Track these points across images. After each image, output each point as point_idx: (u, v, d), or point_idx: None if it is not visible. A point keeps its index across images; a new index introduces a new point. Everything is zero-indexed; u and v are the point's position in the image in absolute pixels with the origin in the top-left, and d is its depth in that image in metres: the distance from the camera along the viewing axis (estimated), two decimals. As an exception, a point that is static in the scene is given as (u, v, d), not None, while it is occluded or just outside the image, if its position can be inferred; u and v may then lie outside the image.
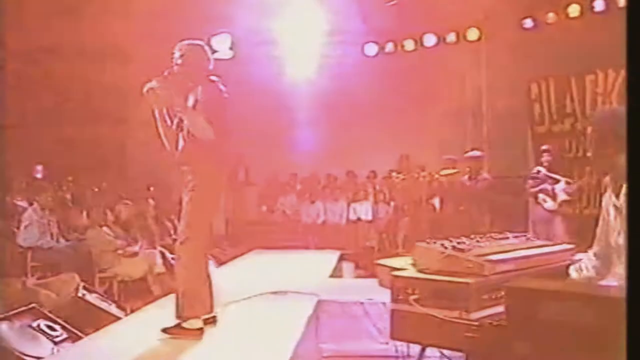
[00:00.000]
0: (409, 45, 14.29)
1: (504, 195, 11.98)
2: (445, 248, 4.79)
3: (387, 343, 6.94)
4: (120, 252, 9.97)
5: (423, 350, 5.04)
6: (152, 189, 13.33)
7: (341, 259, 11.27)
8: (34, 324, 6.31)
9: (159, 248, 10.78)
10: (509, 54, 13.05)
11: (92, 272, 9.68)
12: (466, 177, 10.92)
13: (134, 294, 9.78)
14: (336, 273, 10.19)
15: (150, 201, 12.09)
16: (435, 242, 4.94)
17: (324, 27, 13.78)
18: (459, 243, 4.89)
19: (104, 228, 10.22)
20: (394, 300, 4.80)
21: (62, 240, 10.32)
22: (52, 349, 6.07)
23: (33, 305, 6.56)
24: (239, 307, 6.80)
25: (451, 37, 13.93)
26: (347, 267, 11.65)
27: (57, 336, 6.27)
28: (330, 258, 10.97)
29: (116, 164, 15.07)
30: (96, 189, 12.57)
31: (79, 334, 6.40)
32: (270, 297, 7.43)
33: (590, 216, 11.03)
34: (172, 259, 10.28)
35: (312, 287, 7.85)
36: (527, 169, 13.19)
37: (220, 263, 10.76)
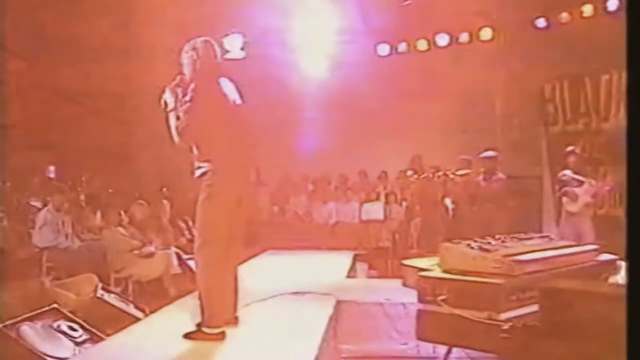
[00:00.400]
0: (422, 45, 14.26)
1: (518, 196, 11.96)
2: (472, 248, 4.77)
3: (406, 344, 6.94)
4: (136, 252, 9.96)
5: (449, 351, 5.02)
6: (165, 189, 13.32)
7: (355, 259, 11.26)
8: (55, 325, 6.30)
9: (174, 249, 10.77)
10: (522, 54, 13.03)
11: (108, 272, 9.68)
12: (481, 177, 10.89)
13: (149, 295, 9.78)
14: (350, 274, 10.17)
15: (165, 202, 12.08)
16: (460, 243, 4.92)
17: (336, 26, 13.74)
18: (485, 243, 4.88)
19: (119, 228, 10.22)
20: (421, 300, 4.78)
21: (76, 240, 10.32)
22: (74, 349, 6.06)
23: (54, 305, 6.56)
24: (258, 307, 6.78)
25: (464, 37, 13.89)
26: (361, 267, 11.63)
27: (78, 337, 6.27)
28: (344, 258, 10.95)
29: (128, 164, 15.06)
30: (110, 190, 12.57)
31: (100, 334, 6.40)
32: (289, 298, 7.42)
33: (605, 217, 11.04)
34: (188, 259, 10.35)
35: (329, 287, 7.84)
36: (541, 169, 13.21)
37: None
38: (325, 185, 16.03)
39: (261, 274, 9.38)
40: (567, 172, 10.33)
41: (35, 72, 13.73)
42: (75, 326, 6.41)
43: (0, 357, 5.76)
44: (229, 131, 5.56)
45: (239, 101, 5.79)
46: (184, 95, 5.50)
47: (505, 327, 3.97)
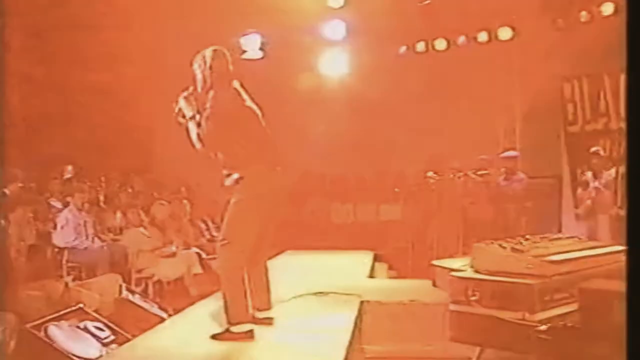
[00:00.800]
0: (440, 44, 14.19)
1: (537, 196, 11.90)
2: (504, 249, 4.75)
3: (430, 345, 6.92)
4: (157, 252, 9.98)
5: (482, 352, 4.99)
6: (183, 189, 13.33)
7: (374, 259, 11.24)
8: (81, 325, 6.32)
9: (194, 249, 10.79)
10: (541, 53, 12.94)
11: (129, 272, 9.70)
12: (502, 177, 10.86)
13: (170, 295, 9.80)
14: (370, 274, 10.15)
15: (185, 202, 12.09)
16: (492, 243, 4.90)
17: (353, 26, 13.71)
18: (516, 244, 4.85)
19: (140, 228, 10.24)
20: (454, 301, 4.76)
21: (97, 240, 10.33)
22: (101, 350, 6.07)
23: (80, 305, 6.57)
24: (283, 308, 6.78)
25: (483, 37, 13.81)
26: (380, 267, 11.59)
27: (104, 337, 6.28)
28: (365, 258, 10.93)
29: (145, 165, 15.08)
30: (130, 190, 12.57)
31: (126, 334, 6.40)
32: (312, 298, 7.42)
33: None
34: (209, 259, 10.37)
35: (352, 287, 7.83)
36: (560, 169, 13.13)
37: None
38: (343, 185, 16.01)
39: (282, 274, 9.36)
40: (589, 174, 10.30)
41: (51, 72, 13.72)
42: (101, 326, 6.42)
43: (29, 357, 5.77)
44: (253, 136, 5.61)
45: (256, 104, 5.85)
46: (203, 104, 5.56)
47: (543, 328, 3.94)
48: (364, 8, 13.06)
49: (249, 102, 5.76)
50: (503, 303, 4.40)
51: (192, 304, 7.42)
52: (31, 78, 12.66)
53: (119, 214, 11.17)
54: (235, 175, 5.51)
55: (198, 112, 5.57)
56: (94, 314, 6.57)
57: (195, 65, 5.73)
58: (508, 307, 4.35)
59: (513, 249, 4.73)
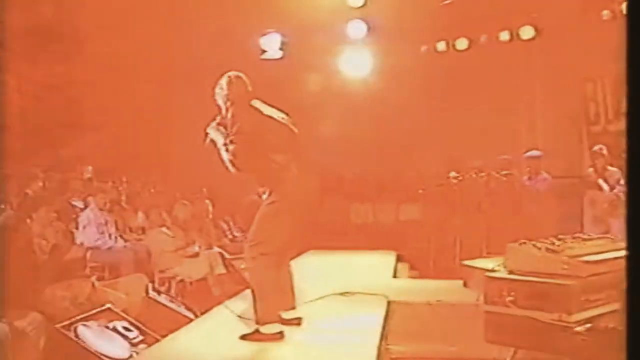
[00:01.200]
0: (461, 44, 14.14)
1: (559, 196, 11.84)
2: (539, 249, 4.72)
3: (454, 346, 6.89)
4: (180, 252, 9.97)
5: (515, 353, 4.97)
6: (204, 189, 13.31)
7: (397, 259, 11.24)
8: (110, 325, 6.32)
9: (216, 249, 10.78)
10: (563, 53, 12.88)
11: (152, 272, 9.69)
12: (525, 177, 10.82)
13: (193, 295, 9.78)
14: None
15: (207, 202, 12.09)
16: (526, 243, 4.87)
17: (375, 25, 13.65)
18: (550, 244, 4.82)
19: (163, 228, 10.24)
20: (489, 302, 4.73)
21: (120, 240, 10.34)
22: (131, 350, 6.07)
23: (108, 305, 6.58)
24: (309, 308, 6.77)
25: (504, 36, 13.74)
26: (402, 267, 11.56)
27: (133, 337, 6.28)
28: (388, 259, 10.92)
29: (166, 165, 15.08)
30: (152, 190, 12.59)
31: (154, 335, 6.40)
32: (338, 299, 7.41)
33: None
34: (233, 259, 10.37)
35: (378, 288, 7.82)
36: (582, 169, 13.05)
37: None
38: (362, 185, 15.96)
39: (307, 274, 9.35)
40: (591, 170, 10.24)
41: (69, 71, 13.73)
42: (129, 326, 6.43)
43: (60, 357, 5.79)
44: (281, 146, 5.76)
45: (278, 109, 6.02)
46: (229, 129, 5.70)
47: (582, 329, 3.90)
48: (384, 7, 13.01)
49: (268, 112, 5.91)
50: (539, 304, 4.37)
51: (216, 304, 7.43)
52: (49, 80, 12.73)
53: (140, 214, 11.16)
54: (267, 194, 5.77)
55: (226, 138, 5.71)
56: (123, 314, 6.58)
57: (216, 95, 5.99)
58: (544, 308, 4.32)
59: (547, 249, 4.69)
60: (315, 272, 9.49)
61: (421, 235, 14.10)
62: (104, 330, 6.19)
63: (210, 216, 11.98)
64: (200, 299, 9.24)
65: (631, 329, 2.69)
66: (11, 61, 10.83)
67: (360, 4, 13.05)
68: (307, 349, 5.42)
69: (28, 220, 7.41)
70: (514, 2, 13.02)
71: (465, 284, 5.38)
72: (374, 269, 9.73)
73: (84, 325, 6.08)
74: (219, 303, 7.35)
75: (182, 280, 9.96)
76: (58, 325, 5.93)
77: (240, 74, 5.99)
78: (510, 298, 4.49)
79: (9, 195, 8.75)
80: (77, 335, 5.88)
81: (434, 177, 14.38)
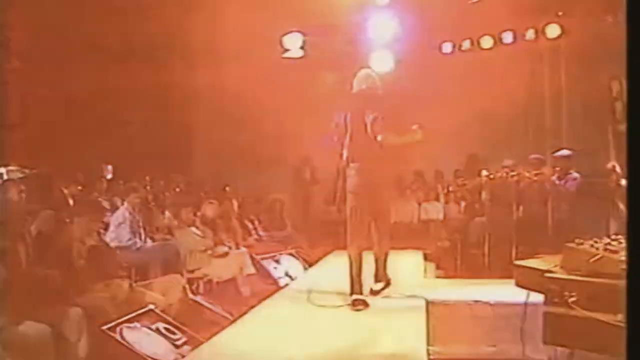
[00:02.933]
0: (486, 42, 14.04)
1: (586, 195, 11.75)
2: (597, 249, 4.66)
3: (494, 346, 6.85)
4: (209, 252, 9.92)
5: (571, 354, 4.91)
6: (228, 188, 13.26)
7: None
8: (153, 327, 6.28)
9: (243, 248, 10.74)
10: (589, 51, 12.80)
11: (180, 272, 9.63)
12: (555, 176, 10.75)
13: (221, 295, 9.73)
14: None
15: (233, 201, 12.05)
16: (583, 243, 4.81)
17: (399, 24, 13.57)
18: (607, 244, 4.77)
19: (192, 228, 10.19)
20: (548, 302, 4.67)
21: (149, 240, 10.28)
22: (175, 352, 6.03)
23: (150, 307, 6.53)
24: (349, 310, 6.74)
25: (530, 35, 13.66)
26: (429, 267, 11.50)
27: (177, 339, 6.23)
28: (415, 258, 10.85)
29: (188, 165, 15.05)
30: (177, 189, 12.55)
31: (197, 336, 6.35)
32: (376, 299, 7.36)
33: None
34: (262, 259, 10.33)
35: (412, 287, 7.78)
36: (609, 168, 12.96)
37: (309, 264, 10.73)
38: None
39: (337, 275, 9.27)
40: (618, 169, 10.17)
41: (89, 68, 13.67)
42: (172, 328, 6.38)
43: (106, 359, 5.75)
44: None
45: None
46: None
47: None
48: (409, 5, 12.96)
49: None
50: (600, 305, 4.31)
51: (247, 305, 7.41)
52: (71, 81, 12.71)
53: (167, 214, 11.10)
54: None
55: None
56: (165, 316, 6.53)
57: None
58: (605, 309, 4.26)
59: (606, 249, 4.63)
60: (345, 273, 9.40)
61: (441, 234, 14.05)
62: (148, 332, 6.14)
63: (236, 215, 11.93)
64: (228, 299, 9.21)
65: (632, 329, 2.63)
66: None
67: (385, 2, 12.99)
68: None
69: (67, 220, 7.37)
70: (540, 1, 12.94)
71: (517, 284, 5.31)
72: (404, 269, 9.59)
73: (128, 327, 6.03)
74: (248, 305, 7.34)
75: (209, 280, 9.91)
76: (104, 327, 5.87)
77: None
78: (573, 299, 4.43)
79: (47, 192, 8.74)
80: (122, 337, 5.83)
81: (460, 176, 14.33)
